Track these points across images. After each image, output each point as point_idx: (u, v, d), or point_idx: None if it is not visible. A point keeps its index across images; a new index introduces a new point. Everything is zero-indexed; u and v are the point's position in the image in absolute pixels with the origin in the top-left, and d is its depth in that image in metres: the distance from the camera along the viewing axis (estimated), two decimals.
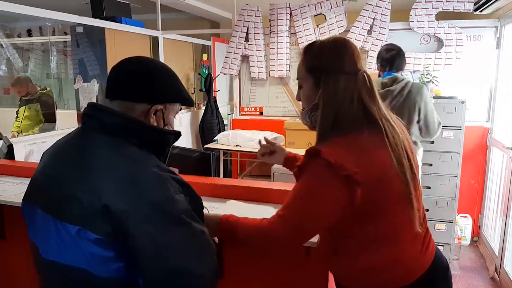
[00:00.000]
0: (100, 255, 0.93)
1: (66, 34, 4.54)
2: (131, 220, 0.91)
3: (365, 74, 1.16)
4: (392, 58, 2.70)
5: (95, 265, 0.94)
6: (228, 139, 3.85)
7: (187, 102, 1.14)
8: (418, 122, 2.66)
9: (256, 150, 3.58)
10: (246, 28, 4.10)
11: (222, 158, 4.02)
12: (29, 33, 5.14)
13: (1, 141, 2.54)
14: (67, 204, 0.96)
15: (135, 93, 1.05)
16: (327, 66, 1.15)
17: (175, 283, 0.94)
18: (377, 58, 2.82)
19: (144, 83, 1.05)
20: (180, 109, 1.18)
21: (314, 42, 1.22)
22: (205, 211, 1.14)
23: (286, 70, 4.07)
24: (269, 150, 1.64)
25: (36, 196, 1.06)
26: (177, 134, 1.13)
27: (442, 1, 3.51)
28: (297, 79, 1.26)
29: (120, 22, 4.07)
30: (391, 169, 1.10)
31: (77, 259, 0.96)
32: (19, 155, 2.80)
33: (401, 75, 2.74)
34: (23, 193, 1.12)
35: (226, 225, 1.21)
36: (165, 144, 1.11)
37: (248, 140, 3.74)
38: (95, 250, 0.93)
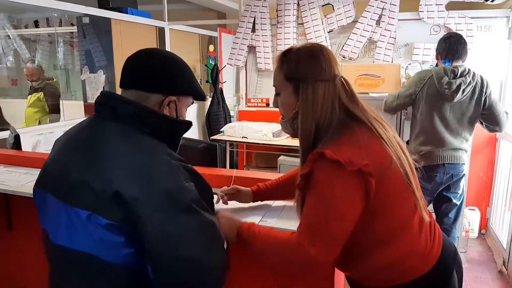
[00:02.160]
0: (109, 241, 0.94)
1: (73, 25, 4.54)
2: (141, 207, 0.92)
3: (342, 79, 1.16)
4: (450, 45, 2.55)
5: (104, 250, 0.96)
6: (234, 131, 3.83)
7: (200, 97, 1.16)
8: (482, 115, 2.55)
9: (263, 142, 3.62)
10: (253, 18, 4.07)
11: (228, 149, 4.01)
12: (36, 24, 5.14)
13: (8, 131, 2.54)
14: (79, 190, 0.97)
15: (150, 83, 1.07)
16: (304, 74, 1.14)
17: (184, 272, 0.95)
18: (436, 47, 2.67)
19: (159, 74, 1.07)
20: (192, 103, 1.18)
21: (291, 49, 1.21)
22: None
23: None
24: (234, 191, 1.52)
25: (47, 183, 1.08)
26: (189, 124, 1.15)
27: None
28: (274, 86, 1.24)
29: (126, 13, 4.06)
30: (391, 162, 1.10)
31: (87, 244, 0.97)
32: (27, 146, 2.81)
33: (461, 63, 2.55)
34: (29, 183, 1.13)
35: (246, 235, 1.17)
36: (176, 133, 1.13)
37: (254, 132, 3.72)
38: (105, 235, 0.94)
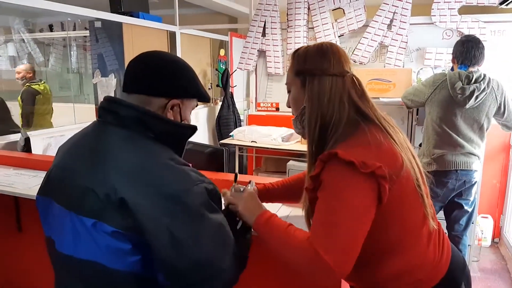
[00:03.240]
0: (116, 248, 0.93)
1: (86, 29, 4.59)
2: (147, 213, 0.91)
3: (353, 77, 1.14)
4: (467, 50, 2.49)
5: (111, 258, 0.95)
6: (243, 135, 3.83)
7: (204, 98, 1.14)
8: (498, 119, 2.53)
9: (272, 146, 3.60)
10: (263, 23, 4.07)
11: (237, 153, 4.00)
12: (51, 28, 5.21)
13: (19, 134, 2.58)
14: (83, 198, 0.96)
15: (153, 87, 1.05)
16: (311, 68, 1.13)
17: (196, 276, 0.95)
18: (452, 50, 2.62)
19: (162, 77, 1.06)
20: (197, 105, 1.17)
21: (302, 46, 1.20)
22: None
23: None
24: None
25: (51, 190, 1.07)
26: (194, 128, 1.13)
27: None
28: (286, 84, 1.23)
29: (138, 17, 4.09)
30: (403, 165, 1.06)
31: (93, 252, 0.96)
32: (37, 148, 2.84)
33: (477, 69, 2.50)
34: (37, 186, 1.12)
35: (263, 225, 1.11)
36: (181, 137, 1.11)
37: (263, 136, 3.71)
38: (111, 243, 0.93)
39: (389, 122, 1.14)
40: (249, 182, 1.35)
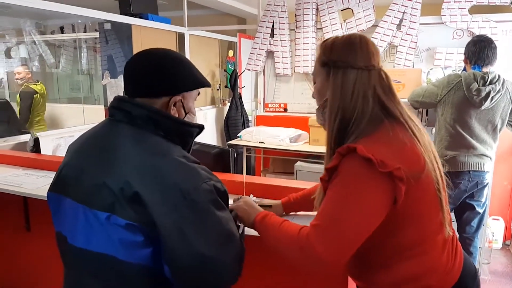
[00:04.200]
0: (129, 241, 0.96)
1: (96, 31, 4.63)
2: (159, 208, 0.94)
3: (381, 71, 1.11)
4: (480, 50, 2.45)
5: (123, 251, 0.97)
6: (251, 136, 3.82)
7: (204, 85, 1.15)
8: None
9: (279, 147, 3.59)
10: (272, 23, 4.06)
11: (245, 154, 4.00)
12: (62, 30, 5.27)
13: (29, 135, 2.61)
14: (97, 192, 0.98)
15: (152, 90, 1.07)
16: (336, 59, 1.10)
17: (200, 270, 0.97)
18: (464, 51, 2.58)
19: (159, 79, 1.07)
20: (199, 94, 1.18)
21: (331, 37, 1.18)
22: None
23: (312, 66, 3.99)
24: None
25: (63, 187, 1.09)
26: (201, 128, 1.16)
27: None
28: (312, 74, 1.22)
29: (147, 19, 4.12)
30: (425, 167, 1.03)
31: (105, 245, 0.99)
32: (47, 149, 2.87)
33: (491, 69, 2.46)
34: (46, 186, 1.14)
35: (258, 224, 1.16)
36: (189, 136, 1.13)
37: (271, 137, 3.70)
38: (124, 235, 0.96)
39: (415, 122, 1.11)
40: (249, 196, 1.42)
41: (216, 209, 1.00)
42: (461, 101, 2.44)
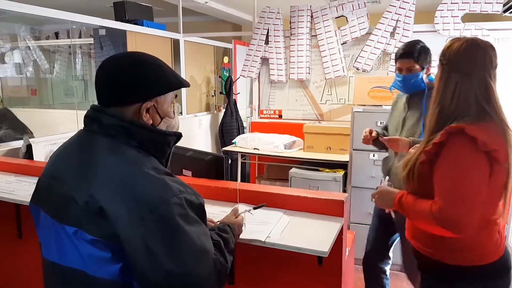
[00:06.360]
0: (97, 256, 0.93)
1: (91, 36, 4.63)
2: (124, 222, 0.90)
3: (488, 78, 1.28)
4: None
5: (93, 266, 0.95)
6: (246, 142, 3.82)
7: (178, 87, 1.09)
8: None
9: (274, 154, 3.59)
10: (267, 30, 4.08)
11: (240, 161, 4.00)
12: (57, 36, 5.26)
13: (22, 141, 2.59)
14: (66, 206, 0.96)
15: (121, 98, 1.02)
16: (445, 61, 1.31)
17: (172, 287, 0.93)
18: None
19: (127, 86, 1.02)
20: (176, 96, 1.12)
21: (459, 37, 1.39)
22: None
23: (306, 73, 4.01)
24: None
25: (40, 199, 1.08)
26: (178, 136, 1.10)
27: (468, 2, 3.39)
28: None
29: (142, 25, 4.12)
30: (507, 162, 1.23)
31: (75, 260, 0.97)
32: (40, 155, 2.85)
33: None
34: None
35: (397, 206, 1.38)
36: (166, 145, 1.08)
37: (266, 144, 3.70)
38: (91, 251, 0.93)
39: (509, 126, 1.28)
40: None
41: (186, 224, 0.95)
42: None
